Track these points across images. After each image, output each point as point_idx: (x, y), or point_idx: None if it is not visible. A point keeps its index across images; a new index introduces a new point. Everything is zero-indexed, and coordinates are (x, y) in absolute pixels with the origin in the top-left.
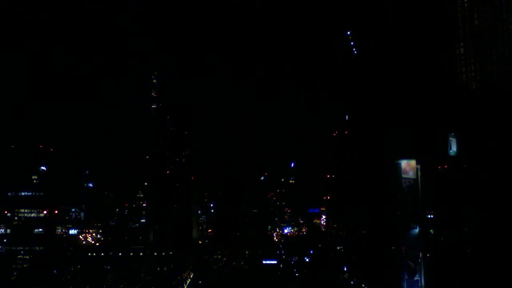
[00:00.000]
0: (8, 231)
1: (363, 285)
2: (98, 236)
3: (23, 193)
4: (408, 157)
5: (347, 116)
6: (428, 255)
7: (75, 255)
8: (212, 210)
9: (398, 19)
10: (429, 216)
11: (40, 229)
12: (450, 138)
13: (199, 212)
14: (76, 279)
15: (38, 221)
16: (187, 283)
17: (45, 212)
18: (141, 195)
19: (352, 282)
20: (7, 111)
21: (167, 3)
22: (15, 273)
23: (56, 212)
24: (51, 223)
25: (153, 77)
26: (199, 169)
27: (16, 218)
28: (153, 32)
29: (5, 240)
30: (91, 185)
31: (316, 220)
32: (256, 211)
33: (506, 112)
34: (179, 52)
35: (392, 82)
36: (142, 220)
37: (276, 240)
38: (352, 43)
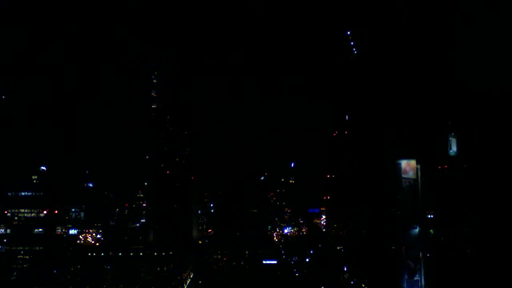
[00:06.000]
0: (8, 231)
1: (363, 285)
2: (98, 236)
3: (23, 193)
4: (408, 157)
5: (347, 116)
6: (428, 255)
7: (75, 255)
8: (212, 210)
9: (398, 19)
10: (429, 216)
11: (40, 229)
12: (450, 138)
13: (199, 212)
14: (76, 279)
15: (38, 221)
16: (187, 283)
17: (45, 212)
18: (141, 195)
19: (352, 282)
20: (6, 111)
21: (167, 2)
22: (15, 273)
23: (56, 212)
24: (51, 223)
25: (153, 77)
26: (199, 169)
27: (16, 218)
28: (153, 32)
29: (5, 240)
30: (91, 185)
31: (316, 220)
32: (256, 211)
33: (506, 112)
34: (180, 52)
35: (392, 82)
36: (142, 220)
37: (276, 240)
38: (352, 43)
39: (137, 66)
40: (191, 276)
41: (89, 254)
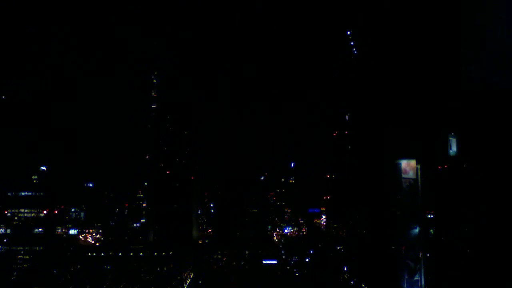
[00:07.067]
0: (8, 231)
1: (363, 285)
2: (98, 236)
3: (23, 193)
4: (408, 157)
5: (347, 116)
6: (428, 255)
7: (75, 255)
8: (212, 210)
9: (398, 18)
10: (429, 216)
11: (40, 229)
12: (450, 138)
13: (199, 212)
14: (76, 279)
15: (38, 221)
16: (187, 283)
17: (45, 212)
18: (141, 195)
19: (352, 282)
20: (7, 110)
21: (167, 2)
22: (15, 273)
23: (56, 212)
24: (51, 223)
25: (153, 77)
26: (199, 169)
27: (16, 218)
28: (153, 32)
29: (5, 240)
30: (91, 185)
31: (316, 220)
32: (256, 211)
33: (506, 112)
34: (179, 52)
35: (392, 82)
36: (142, 220)
37: (276, 240)
38: (352, 43)
39: (137, 66)
40: (191, 276)
41: (89, 254)
